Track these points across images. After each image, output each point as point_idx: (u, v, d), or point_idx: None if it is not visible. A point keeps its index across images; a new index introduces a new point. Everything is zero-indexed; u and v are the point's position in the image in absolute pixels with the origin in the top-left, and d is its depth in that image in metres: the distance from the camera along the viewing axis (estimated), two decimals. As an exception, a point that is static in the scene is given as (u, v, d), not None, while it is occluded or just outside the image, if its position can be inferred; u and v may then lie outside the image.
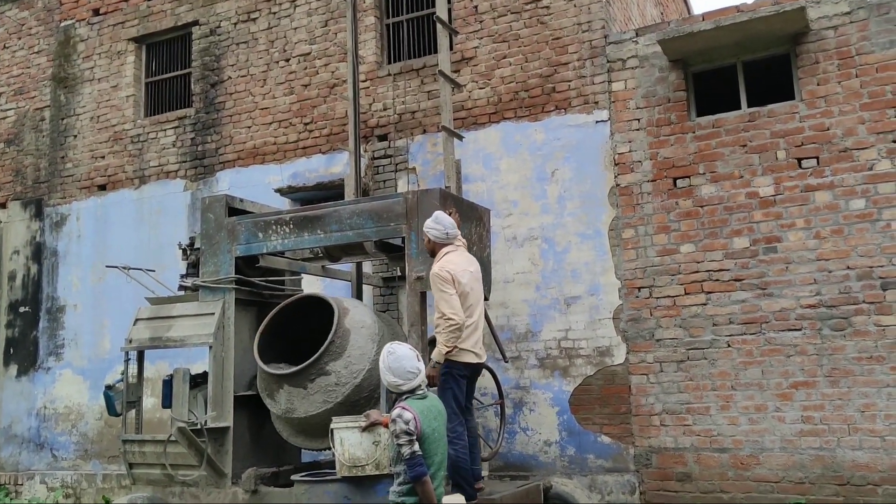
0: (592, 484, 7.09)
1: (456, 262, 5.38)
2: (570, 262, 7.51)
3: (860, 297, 6.42)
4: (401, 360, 4.15)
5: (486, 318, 6.15)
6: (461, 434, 5.31)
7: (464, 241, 5.67)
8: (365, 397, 5.93)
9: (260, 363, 6.01)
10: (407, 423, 3.96)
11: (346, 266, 7.69)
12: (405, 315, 6.04)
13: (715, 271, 6.92)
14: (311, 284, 8.04)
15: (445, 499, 4.34)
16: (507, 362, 6.90)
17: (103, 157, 10.28)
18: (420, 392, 4.16)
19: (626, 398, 7.10)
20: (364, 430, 4.69)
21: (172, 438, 6.16)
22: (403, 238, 5.92)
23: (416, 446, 3.94)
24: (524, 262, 7.69)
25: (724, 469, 6.66)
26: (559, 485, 6.45)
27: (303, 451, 7.28)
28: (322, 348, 5.82)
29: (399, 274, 8.00)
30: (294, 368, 5.88)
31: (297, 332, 6.68)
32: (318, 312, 6.30)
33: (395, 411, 4.02)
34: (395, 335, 6.22)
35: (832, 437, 6.35)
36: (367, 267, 8.33)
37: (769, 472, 6.51)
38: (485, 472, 6.98)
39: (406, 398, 4.13)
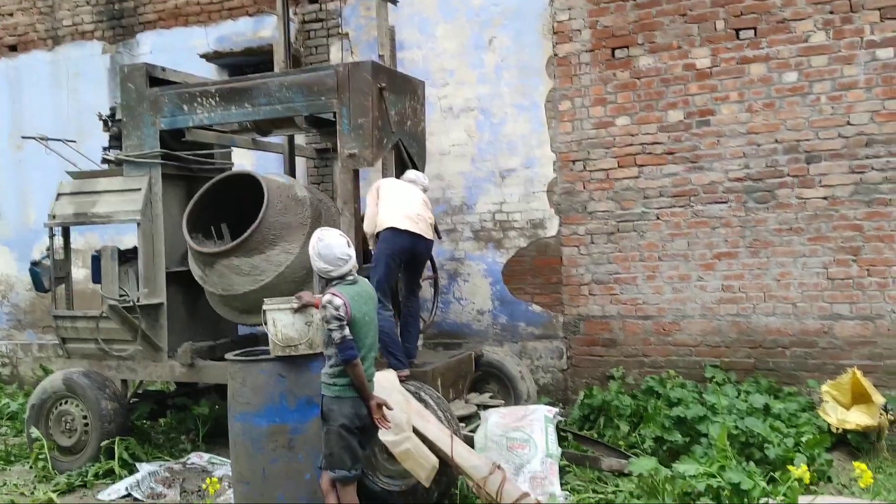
0: (523, 350, 7.35)
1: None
2: (507, 135, 7.46)
3: (785, 170, 6.58)
4: (331, 247, 4.15)
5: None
6: (385, 317, 5.45)
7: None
8: (291, 280, 5.90)
9: (189, 241, 5.95)
10: (337, 308, 4.01)
11: (278, 138, 7.54)
12: (338, 190, 6.00)
13: (648, 144, 6.97)
14: (242, 157, 7.87)
15: (377, 375, 4.49)
16: (440, 238, 6.96)
17: (11, 15, 9.60)
18: (350, 278, 4.19)
19: (557, 269, 7.25)
20: (296, 311, 4.73)
21: (105, 315, 6.18)
22: (334, 113, 5.80)
23: (347, 331, 4.01)
24: (460, 134, 7.63)
25: (648, 335, 7.00)
26: (490, 353, 6.67)
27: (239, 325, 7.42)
28: (249, 230, 5.75)
29: (332, 146, 7.91)
30: (224, 247, 5.85)
31: (229, 208, 6.63)
32: (252, 189, 6.21)
33: (326, 297, 4.06)
34: (329, 217, 6.20)
35: (749, 305, 6.69)
36: (301, 139, 8.17)
37: (689, 338, 6.87)
38: (420, 342, 7.23)
39: (336, 284, 4.16)
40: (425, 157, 6.94)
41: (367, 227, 5.72)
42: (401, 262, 5.68)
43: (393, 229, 5.55)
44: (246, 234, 5.75)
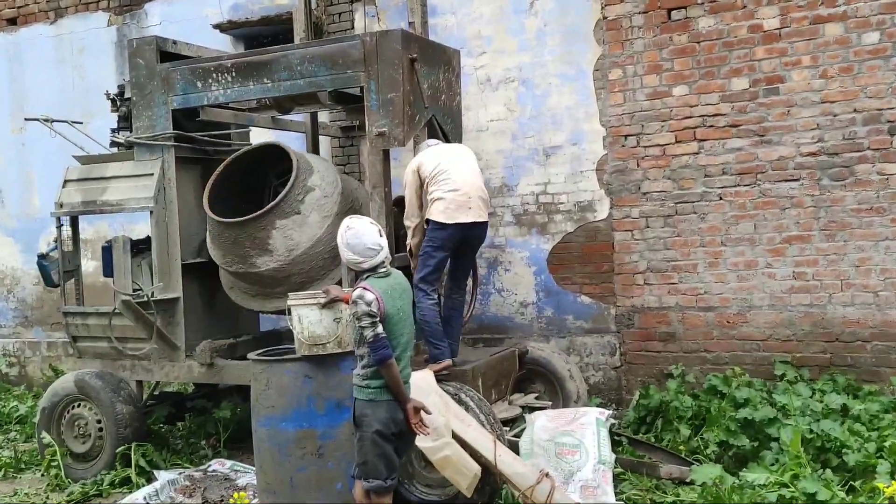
0: (571, 346, 7.37)
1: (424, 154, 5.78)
2: (551, 108, 7.43)
3: (865, 143, 6.47)
4: (360, 236, 4.18)
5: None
6: (428, 305, 5.54)
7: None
8: (317, 264, 5.99)
9: (210, 213, 6.06)
10: (369, 304, 4.04)
11: (300, 116, 7.59)
12: (367, 173, 6.04)
13: (710, 116, 6.89)
14: (261, 137, 7.92)
15: (414, 375, 4.52)
16: None
17: (8, -15, 9.76)
18: (383, 270, 4.23)
19: (608, 256, 7.24)
20: (324, 306, 4.77)
21: (117, 311, 6.29)
22: (361, 88, 5.80)
23: (380, 328, 4.04)
24: (499, 108, 7.62)
25: (710, 328, 6.93)
26: (535, 349, 6.69)
27: (261, 317, 7.51)
28: (273, 202, 5.85)
29: (359, 124, 7.91)
30: (240, 219, 5.94)
31: (250, 191, 6.71)
32: (281, 166, 6.29)
33: (356, 292, 4.10)
34: (356, 207, 6.24)
35: (824, 294, 6.59)
36: (324, 116, 8.20)
37: (755, 331, 6.80)
38: (458, 338, 7.28)
39: (367, 277, 4.20)
40: (461, 134, 6.90)
41: (409, 220, 5.73)
42: (452, 251, 5.71)
43: (444, 224, 5.54)
44: (281, 196, 5.83)
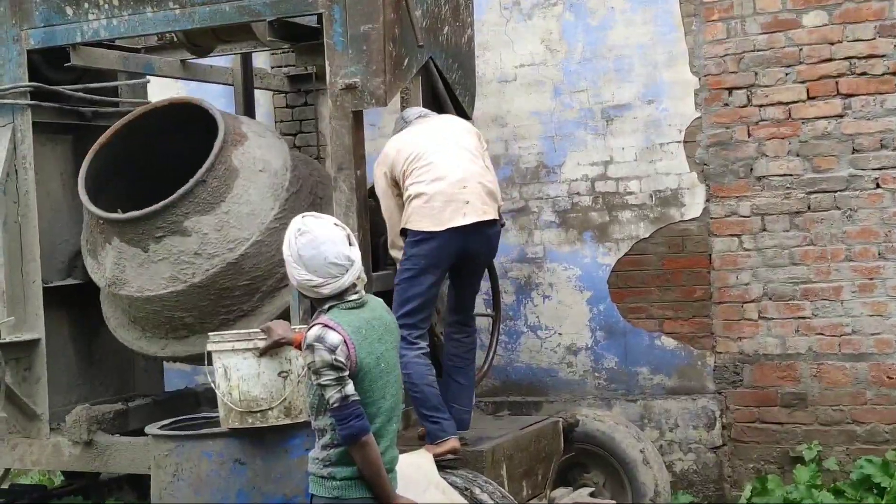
0: (646, 415, 7.37)
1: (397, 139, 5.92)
2: (614, 46, 7.46)
3: None
4: (319, 245, 4.09)
5: None
6: (416, 360, 5.63)
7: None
8: (244, 286, 6.07)
9: (85, 199, 6.14)
10: (333, 349, 3.94)
11: (224, 60, 7.58)
12: (329, 148, 6.04)
13: (860, 59, 6.84)
14: (166, 92, 7.94)
15: (403, 459, 4.47)
16: (502, 225, 6.94)
17: None
18: (354, 297, 4.19)
19: (703, 275, 7.25)
20: (263, 353, 4.76)
21: (-57, 362, 6.30)
22: (319, 16, 5.84)
23: (350, 387, 3.98)
24: (534, 47, 7.62)
25: (861, 386, 6.85)
26: (590, 419, 6.65)
27: (167, 370, 7.51)
28: (185, 187, 5.94)
29: (316, 72, 7.92)
30: (133, 214, 6.03)
31: (160, 169, 6.71)
32: (201, 136, 6.31)
33: (313, 331, 4.03)
34: (315, 201, 6.25)
35: None
36: (262, 59, 8.20)
37: (934, 391, 6.78)
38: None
39: (331, 308, 4.17)
40: (474, 87, 6.81)
41: (394, 249, 5.93)
42: (445, 271, 5.79)
43: (428, 233, 5.64)
44: (171, 199, 5.91)
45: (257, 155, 6.18)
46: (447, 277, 5.98)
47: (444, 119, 6.08)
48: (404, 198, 5.72)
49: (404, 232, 5.74)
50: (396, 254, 5.87)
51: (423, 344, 5.70)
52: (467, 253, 5.75)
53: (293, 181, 6.23)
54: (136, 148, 6.59)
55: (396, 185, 5.79)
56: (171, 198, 5.95)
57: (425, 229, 5.60)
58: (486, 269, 6.49)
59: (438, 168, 5.67)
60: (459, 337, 6.03)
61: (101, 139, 6.42)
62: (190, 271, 6.04)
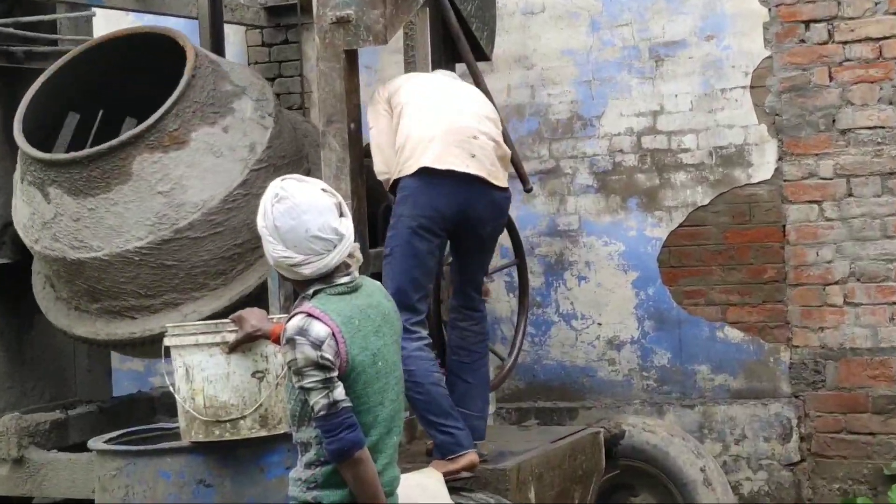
0: (706, 423, 7.36)
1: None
2: None
3: None
4: (300, 214, 4.01)
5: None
6: (418, 353, 5.62)
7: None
8: (207, 260, 6.13)
9: (21, 139, 6.22)
10: (318, 344, 3.92)
11: None
12: (315, 96, 6.00)
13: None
14: (115, 25, 7.83)
15: (406, 479, 4.43)
16: (529, 190, 6.96)
17: None
18: (345, 280, 4.14)
19: (776, 251, 7.28)
20: (233, 348, 4.76)
21: None
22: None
23: (340, 391, 3.93)
24: None
25: (978, 386, 6.86)
26: (639, 429, 6.66)
27: (115, 370, 7.57)
28: (139, 127, 6.06)
29: (300, 2, 7.93)
30: (73, 154, 6.16)
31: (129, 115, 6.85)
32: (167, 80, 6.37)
33: (295, 321, 3.98)
34: (299, 151, 6.27)
35: None
36: (231, -12, 8.13)
37: None
38: (491, 407, 7.10)
39: (316, 293, 4.11)
40: (494, 20, 6.86)
41: (380, 168, 5.96)
42: (443, 237, 5.80)
43: (427, 173, 5.66)
44: (149, 122, 6.00)
45: (231, 86, 6.27)
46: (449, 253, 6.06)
47: (471, 88, 6.18)
48: (396, 142, 5.79)
49: (393, 190, 5.80)
50: (384, 173, 5.91)
51: (423, 332, 5.72)
52: (469, 216, 5.75)
53: (274, 137, 6.30)
54: (94, 89, 6.62)
55: (391, 113, 5.90)
56: (119, 138, 6.02)
57: (419, 166, 5.61)
58: (513, 247, 6.54)
59: (446, 112, 5.76)
60: (465, 325, 6.02)
61: (43, 78, 6.44)
62: (133, 233, 6.08)
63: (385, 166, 5.88)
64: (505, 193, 5.88)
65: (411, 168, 5.64)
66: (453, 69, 6.60)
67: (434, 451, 5.68)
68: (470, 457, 5.57)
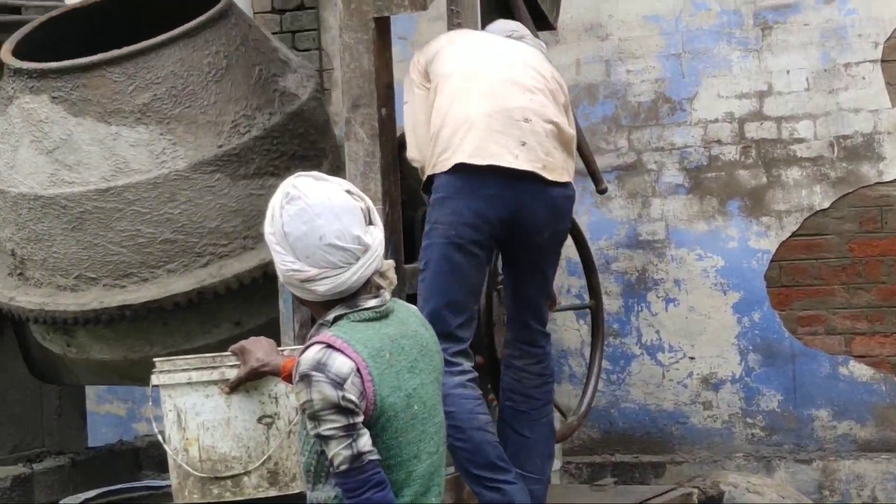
0: (827, 481, 7.32)
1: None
2: None
3: None
4: (314, 218, 4.03)
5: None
6: (460, 391, 5.69)
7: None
8: (171, 234, 6.30)
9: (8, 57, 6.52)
10: (340, 382, 3.92)
11: None
12: (337, 75, 6.03)
13: None
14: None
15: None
16: (603, 191, 6.97)
17: None
18: (374, 303, 4.15)
19: (915, 267, 6.93)
20: (235, 387, 4.85)
21: None
22: None
23: (366, 440, 3.95)
24: None
25: None
26: (742, 489, 6.65)
27: (90, 414, 7.56)
28: (139, 45, 6.39)
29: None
30: (51, 64, 6.43)
31: None
32: None
33: (311, 352, 3.97)
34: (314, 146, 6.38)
35: None
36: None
37: None
38: (557, 463, 7.10)
39: (338, 319, 4.16)
40: None
41: (413, 154, 6.02)
42: (490, 247, 5.82)
43: (465, 169, 5.65)
44: (151, 42, 6.33)
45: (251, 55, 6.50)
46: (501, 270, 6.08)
47: (530, 47, 6.11)
48: (431, 126, 5.80)
49: (427, 188, 5.82)
50: (417, 159, 6.00)
51: (466, 365, 5.71)
52: (521, 221, 5.74)
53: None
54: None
55: (428, 83, 5.92)
56: (112, 53, 6.31)
57: (455, 161, 5.61)
58: (582, 261, 6.72)
59: (492, 87, 5.75)
60: (522, 364, 6.03)
61: (35, 23, 6.80)
62: (97, 172, 6.32)
63: (419, 153, 5.92)
64: (566, 190, 5.84)
65: (447, 163, 5.64)
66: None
67: None
68: None
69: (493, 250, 5.86)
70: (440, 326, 5.41)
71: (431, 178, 5.73)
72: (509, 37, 6.11)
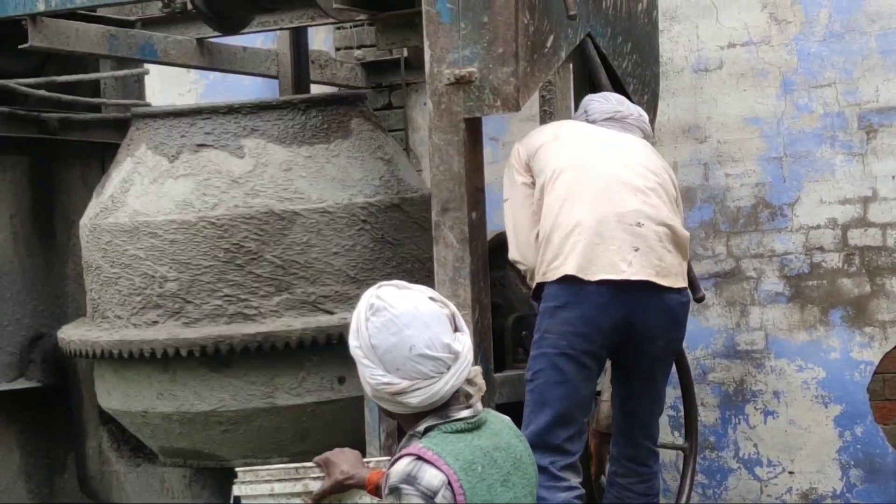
0: None
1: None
2: (878, 14, 7.53)
3: None
4: (402, 329, 3.94)
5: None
6: (566, 500, 5.65)
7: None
8: (272, 265, 6.38)
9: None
10: (431, 495, 3.78)
11: (265, 36, 7.69)
12: (426, 176, 6.00)
13: None
14: (175, 89, 7.91)
15: None
16: (700, 299, 6.81)
17: None
18: (465, 413, 4.03)
19: None
20: (318, 500, 4.71)
21: None
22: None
23: None
24: (751, 15, 7.74)
25: None
26: None
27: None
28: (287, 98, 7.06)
29: (407, 57, 8.13)
30: (293, 97, 7.13)
31: None
32: None
33: (401, 465, 3.88)
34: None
35: None
36: (322, 37, 8.25)
37: None
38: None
39: (429, 429, 4.05)
40: (657, 80, 6.94)
41: (514, 256, 6.04)
42: (602, 358, 5.81)
43: (576, 280, 5.57)
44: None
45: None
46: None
47: (637, 139, 6.14)
48: (540, 229, 5.80)
49: (537, 295, 5.79)
50: (521, 261, 6.01)
51: (574, 481, 5.65)
52: (634, 330, 5.72)
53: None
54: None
55: (532, 179, 5.93)
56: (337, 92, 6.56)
57: (563, 273, 5.60)
58: (678, 371, 6.59)
59: (603, 188, 5.73)
60: (626, 482, 6.00)
61: None
62: (359, 189, 6.48)
63: (520, 255, 5.93)
64: (681, 297, 5.84)
65: (557, 272, 5.63)
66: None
67: None
68: None
69: (604, 361, 5.84)
70: (548, 440, 5.64)
71: (541, 285, 5.73)
72: (612, 118, 6.11)
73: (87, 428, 7.10)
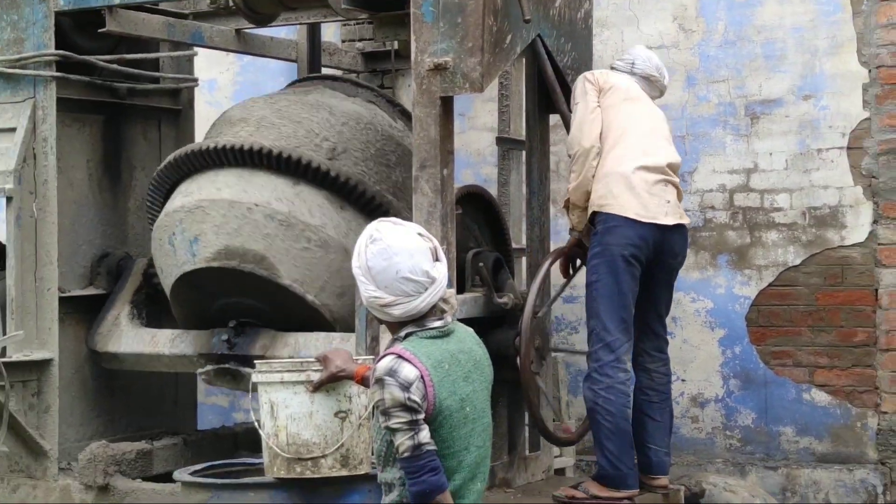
0: (789, 486, 7.34)
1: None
2: (763, 26, 7.55)
3: None
4: (392, 256, 4.09)
5: None
6: (615, 387, 5.88)
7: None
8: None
9: None
10: (407, 385, 3.95)
11: (287, 29, 7.85)
12: (412, 140, 6.09)
13: None
14: (216, 66, 8.05)
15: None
16: None
17: None
18: (437, 324, 4.19)
19: (867, 315, 7.28)
20: (317, 388, 4.81)
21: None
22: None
23: (425, 433, 3.96)
24: (664, 24, 7.78)
25: None
26: (720, 489, 6.67)
27: (201, 405, 7.71)
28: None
29: (396, 48, 8.05)
30: None
31: None
32: None
33: (384, 362, 4.00)
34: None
35: None
36: (332, 31, 8.44)
37: None
38: (569, 460, 7.27)
39: (407, 336, 4.12)
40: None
41: (573, 142, 6.18)
42: (644, 264, 6.05)
43: (626, 223, 5.95)
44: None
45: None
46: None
47: (658, 111, 6.43)
48: (598, 171, 6.01)
49: (592, 219, 6.05)
50: (578, 152, 6.10)
51: (627, 368, 5.98)
52: (666, 248, 6.09)
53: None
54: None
55: (601, 98, 6.16)
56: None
57: (625, 215, 5.91)
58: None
59: (646, 144, 6.07)
60: (654, 367, 6.25)
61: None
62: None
63: (578, 144, 6.08)
64: (686, 228, 6.23)
65: (615, 210, 5.90)
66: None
67: (596, 476, 5.98)
68: (631, 491, 5.86)
69: (643, 270, 6.01)
70: (613, 335, 5.94)
71: (595, 213, 5.98)
72: (648, 78, 6.37)
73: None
